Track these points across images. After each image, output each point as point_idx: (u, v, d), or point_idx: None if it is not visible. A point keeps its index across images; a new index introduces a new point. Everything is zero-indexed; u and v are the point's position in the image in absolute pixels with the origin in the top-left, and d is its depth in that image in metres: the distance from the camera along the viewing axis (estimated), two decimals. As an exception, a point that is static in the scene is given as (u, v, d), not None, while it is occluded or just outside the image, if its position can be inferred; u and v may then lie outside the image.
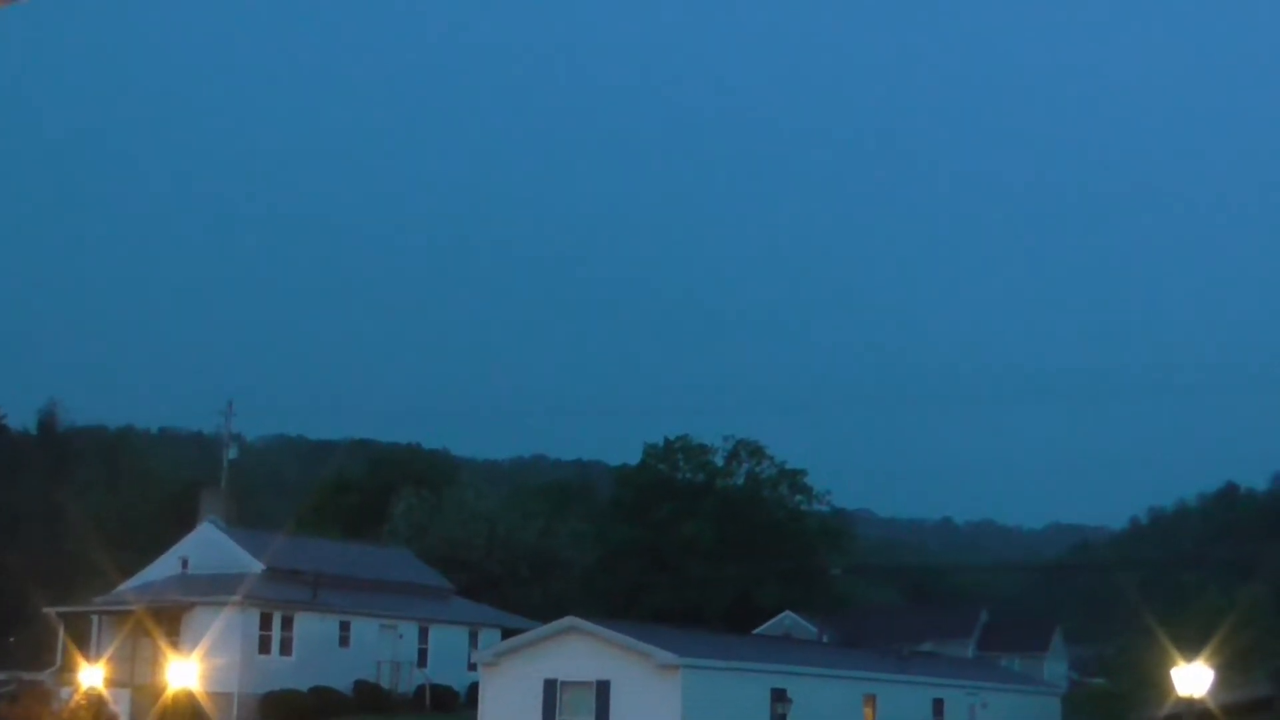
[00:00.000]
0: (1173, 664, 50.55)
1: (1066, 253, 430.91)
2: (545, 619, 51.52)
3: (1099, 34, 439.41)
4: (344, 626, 66.34)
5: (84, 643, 64.55)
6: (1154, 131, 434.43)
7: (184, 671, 55.36)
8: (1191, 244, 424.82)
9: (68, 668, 61.39)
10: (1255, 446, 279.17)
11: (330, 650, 65.01)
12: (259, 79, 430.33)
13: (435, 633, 70.38)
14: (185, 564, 69.37)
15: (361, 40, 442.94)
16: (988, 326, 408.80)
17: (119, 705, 56.23)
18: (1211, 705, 52.97)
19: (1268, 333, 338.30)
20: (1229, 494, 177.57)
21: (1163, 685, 53.32)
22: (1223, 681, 53.38)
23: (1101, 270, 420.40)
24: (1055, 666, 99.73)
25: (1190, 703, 50.91)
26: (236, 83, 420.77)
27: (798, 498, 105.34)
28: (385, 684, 66.09)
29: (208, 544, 69.41)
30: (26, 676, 61.37)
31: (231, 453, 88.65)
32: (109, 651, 60.07)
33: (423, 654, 69.47)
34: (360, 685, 64.75)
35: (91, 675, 48.57)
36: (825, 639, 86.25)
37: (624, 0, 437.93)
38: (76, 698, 48.79)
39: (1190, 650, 51.48)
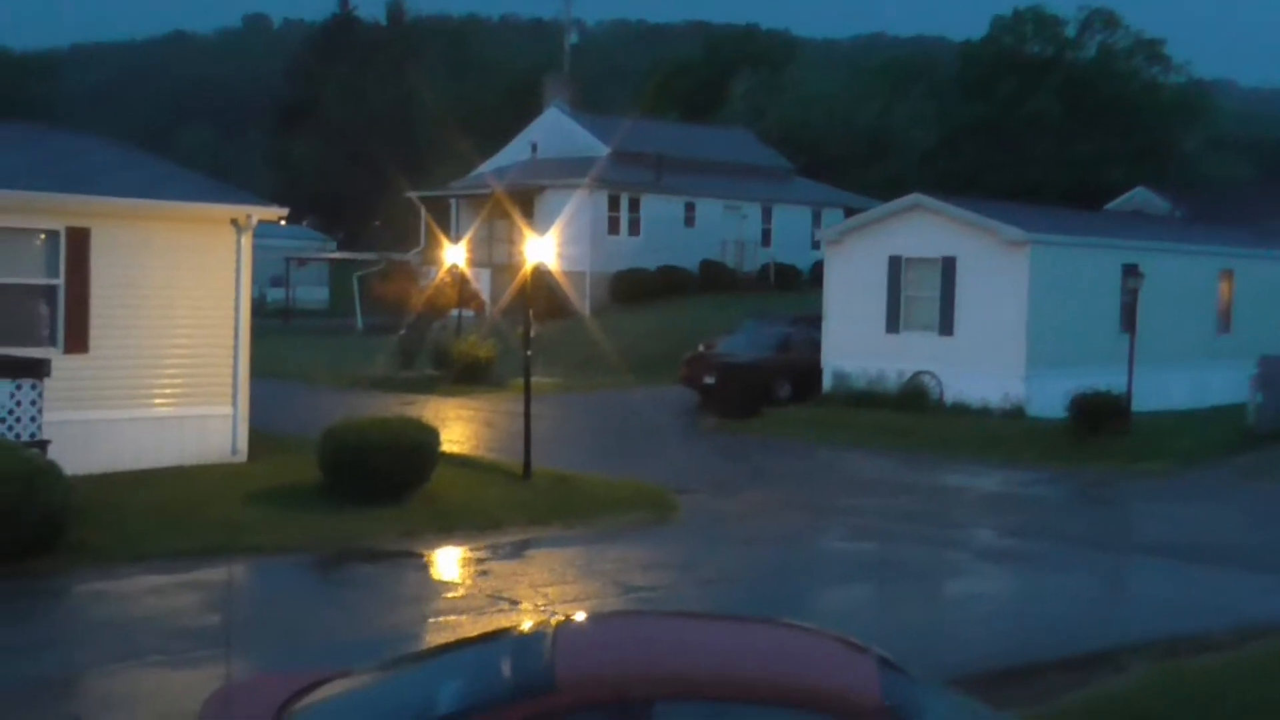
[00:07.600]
0: None
1: None
2: (884, 199, 50.82)
3: None
4: (689, 208, 67.21)
5: (444, 225, 67.17)
6: None
7: (540, 250, 57.25)
8: None
9: (430, 248, 64.13)
10: None
11: (676, 231, 66.15)
12: None
13: (778, 212, 70.81)
14: (534, 148, 70.86)
15: None
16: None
17: (479, 282, 58.48)
18: None
19: None
20: None
21: None
22: None
23: None
24: None
25: None
26: None
27: (1154, 69, 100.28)
28: (730, 263, 67.09)
29: (555, 129, 70.55)
30: (394, 257, 64.45)
31: (572, 38, 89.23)
32: (468, 233, 62.13)
33: (766, 234, 70.15)
34: (706, 264, 65.91)
35: (453, 255, 50.52)
36: (1178, 216, 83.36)
37: None
38: (440, 275, 51.00)
39: None
